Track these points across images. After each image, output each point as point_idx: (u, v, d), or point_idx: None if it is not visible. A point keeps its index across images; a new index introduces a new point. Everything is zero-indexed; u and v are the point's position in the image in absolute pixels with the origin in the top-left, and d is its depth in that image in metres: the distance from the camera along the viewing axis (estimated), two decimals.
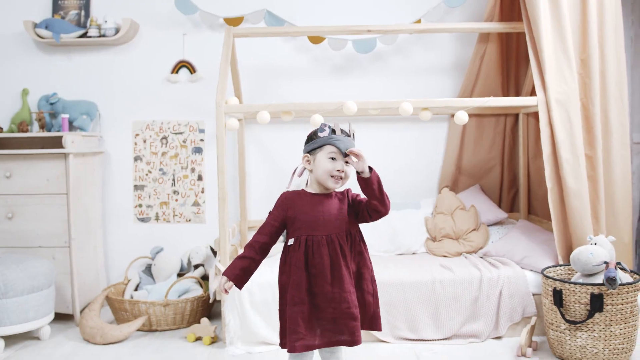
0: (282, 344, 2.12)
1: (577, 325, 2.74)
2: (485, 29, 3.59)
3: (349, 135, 2.14)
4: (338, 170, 2.07)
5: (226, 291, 2.10)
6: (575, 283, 2.75)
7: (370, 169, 2.06)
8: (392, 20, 3.91)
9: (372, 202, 2.09)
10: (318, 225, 2.09)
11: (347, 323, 2.06)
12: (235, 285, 2.10)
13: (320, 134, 2.11)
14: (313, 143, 2.13)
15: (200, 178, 4.02)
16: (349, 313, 2.06)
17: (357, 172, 2.06)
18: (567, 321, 2.76)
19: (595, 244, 2.89)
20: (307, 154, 2.15)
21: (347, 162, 2.08)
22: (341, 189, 2.19)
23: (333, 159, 2.08)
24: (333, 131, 2.10)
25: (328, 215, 2.10)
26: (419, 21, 3.85)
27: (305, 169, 2.19)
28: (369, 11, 3.96)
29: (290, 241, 2.11)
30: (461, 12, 3.93)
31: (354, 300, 2.08)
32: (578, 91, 3.20)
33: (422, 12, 3.87)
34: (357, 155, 2.04)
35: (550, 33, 3.21)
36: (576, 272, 2.97)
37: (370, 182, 2.05)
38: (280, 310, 2.15)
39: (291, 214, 2.12)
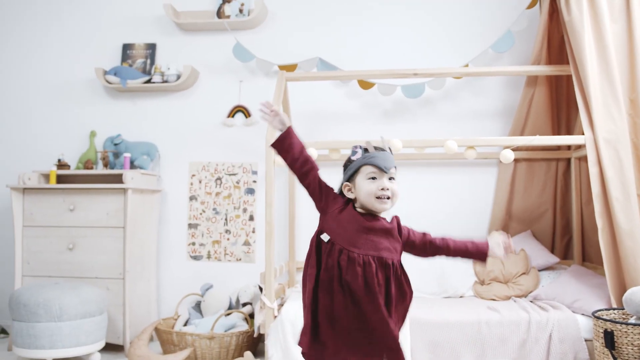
0: (301, 342, 1.96)
1: None
2: (533, 72, 3.62)
3: (384, 150, 1.98)
4: (382, 189, 1.90)
5: (272, 111, 2.00)
6: (627, 324, 2.64)
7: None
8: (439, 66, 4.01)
9: (443, 255, 2.05)
10: (356, 242, 1.90)
11: (378, 350, 1.90)
12: (284, 128, 1.99)
13: (353, 158, 1.97)
14: (349, 169, 1.98)
15: (251, 218, 4.13)
16: (384, 341, 1.89)
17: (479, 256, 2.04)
18: None
19: None
20: (347, 183, 1.98)
21: (391, 179, 1.94)
22: (388, 216, 2.02)
23: (373, 178, 1.92)
24: (366, 150, 1.96)
25: (368, 234, 1.92)
26: (466, 66, 3.93)
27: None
28: (418, 58, 4.08)
29: (325, 237, 1.93)
30: (508, 57, 4.00)
31: (382, 328, 1.88)
32: (628, 131, 3.16)
33: (470, 57, 3.95)
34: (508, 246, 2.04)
35: (597, 74, 3.21)
36: (630, 315, 2.85)
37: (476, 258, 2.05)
38: (305, 306, 1.97)
39: (334, 210, 1.95)
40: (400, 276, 1.96)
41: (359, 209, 1.97)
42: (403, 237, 2.00)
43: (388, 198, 1.92)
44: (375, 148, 1.98)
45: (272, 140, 2.03)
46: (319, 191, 1.99)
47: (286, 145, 1.99)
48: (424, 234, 2.05)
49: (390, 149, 2.01)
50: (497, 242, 2.05)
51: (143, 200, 3.91)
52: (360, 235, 1.91)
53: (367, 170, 1.93)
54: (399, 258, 1.97)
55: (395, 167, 1.98)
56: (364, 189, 1.92)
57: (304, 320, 1.98)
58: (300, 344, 1.96)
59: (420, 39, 4.13)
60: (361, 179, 1.94)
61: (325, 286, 1.90)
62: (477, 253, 2.05)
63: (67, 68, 4.39)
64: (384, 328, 1.89)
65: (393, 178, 1.95)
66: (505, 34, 3.86)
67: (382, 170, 1.92)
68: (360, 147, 1.98)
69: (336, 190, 2.03)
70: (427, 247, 2.04)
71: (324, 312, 1.90)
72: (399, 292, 1.96)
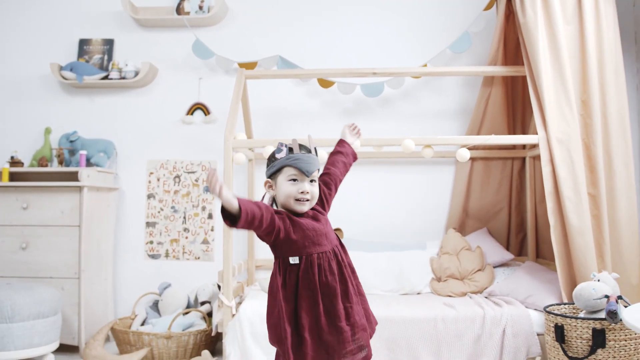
0: None
1: None
2: (489, 72, 3.69)
3: (310, 151, 1.99)
4: (302, 193, 1.92)
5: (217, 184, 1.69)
6: (576, 318, 2.71)
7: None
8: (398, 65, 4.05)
9: (350, 163, 2.22)
10: (321, 240, 1.94)
11: (361, 336, 1.94)
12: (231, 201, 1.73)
13: (277, 155, 1.96)
14: (272, 167, 1.98)
15: (210, 216, 4.10)
16: (362, 324, 1.95)
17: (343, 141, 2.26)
18: (570, 357, 2.70)
19: (599, 280, 2.86)
20: (269, 179, 2.00)
21: (312, 181, 1.95)
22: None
23: (294, 180, 1.93)
24: (291, 150, 1.95)
25: (321, 225, 1.97)
26: (425, 66, 3.97)
27: (271, 196, 2.02)
28: (377, 58, 4.11)
29: (294, 259, 1.91)
30: (466, 57, 4.06)
31: (360, 309, 1.98)
32: (579, 131, 3.24)
33: (428, 58, 4.00)
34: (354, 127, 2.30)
35: (550, 75, 3.29)
36: (580, 310, 2.93)
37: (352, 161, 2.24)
38: (282, 342, 1.90)
39: (289, 231, 1.90)
40: (343, 247, 2.06)
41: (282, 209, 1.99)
42: (322, 206, 2.06)
43: (307, 200, 1.94)
44: (301, 147, 1.97)
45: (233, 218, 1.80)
46: (279, 227, 1.89)
47: (249, 221, 1.79)
48: (321, 188, 2.05)
49: (315, 149, 2.02)
50: (344, 132, 2.30)
51: (99, 199, 3.84)
52: (318, 230, 1.95)
53: (289, 172, 1.93)
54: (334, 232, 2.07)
55: (318, 170, 2.00)
56: (284, 191, 1.93)
57: (284, 345, 1.91)
58: None
59: (379, 38, 4.16)
60: (282, 180, 1.95)
61: (306, 305, 1.90)
62: (350, 158, 2.24)
63: (21, 63, 4.28)
64: (358, 309, 1.96)
65: (314, 180, 1.97)
66: (462, 34, 3.92)
67: (303, 173, 1.92)
68: (286, 145, 1.96)
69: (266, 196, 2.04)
70: (331, 190, 2.11)
71: (310, 331, 1.89)
72: (351, 265, 2.04)
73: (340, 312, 1.92)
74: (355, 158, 2.26)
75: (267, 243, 1.96)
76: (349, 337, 1.92)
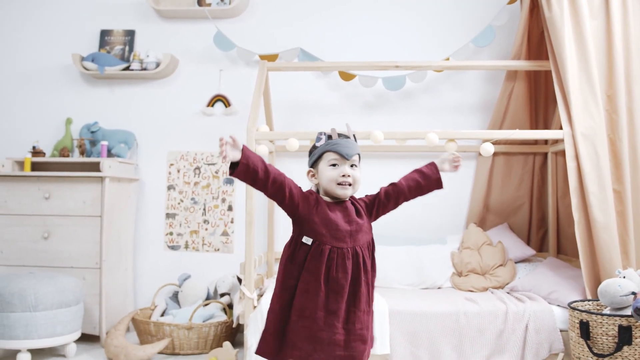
0: (263, 351, 1.95)
1: (605, 358, 2.66)
2: (512, 67, 3.66)
3: (349, 137, 2.01)
4: (343, 176, 1.94)
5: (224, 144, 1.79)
6: (602, 314, 2.69)
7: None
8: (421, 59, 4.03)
9: (405, 200, 2.08)
10: (342, 236, 1.93)
11: (356, 346, 1.93)
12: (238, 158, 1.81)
13: (317, 144, 2.00)
14: (313, 155, 2.02)
15: (230, 208, 4.10)
16: (361, 334, 1.94)
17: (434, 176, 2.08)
18: (595, 354, 2.69)
19: (624, 277, 2.84)
20: (311, 169, 2.04)
21: (353, 166, 1.97)
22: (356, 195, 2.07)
23: (335, 165, 1.95)
24: (330, 137, 1.99)
25: (350, 225, 1.95)
26: (447, 59, 3.95)
27: (315, 185, 2.05)
28: (399, 51, 4.09)
29: (307, 240, 1.92)
30: (488, 51, 4.03)
31: (366, 320, 1.97)
32: (605, 127, 3.21)
33: (451, 51, 3.97)
34: (458, 161, 2.09)
35: (576, 70, 3.26)
36: (604, 307, 2.91)
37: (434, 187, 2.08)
38: (273, 311, 1.97)
39: (312, 211, 1.93)
40: (372, 253, 2.04)
41: (325, 198, 2.00)
42: (369, 210, 2.05)
43: (349, 185, 1.96)
44: (340, 135, 2.00)
45: (233, 170, 1.89)
46: (298, 199, 1.95)
47: (251, 173, 1.86)
48: (378, 193, 2.07)
49: (354, 136, 2.04)
50: (444, 159, 2.12)
51: (120, 189, 3.86)
52: (342, 228, 1.94)
53: (329, 157, 1.97)
54: (371, 235, 2.04)
55: (358, 155, 2.00)
56: (326, 176, 1.96)
57: (267, 325, 1.97)
58: (262, 351, 1.94)
59: (402, 31, 4.14)
60: (323, 166, 1.98)
61: (304, 288, 1.91)
62: (430, 183, 2.08)
63: (44, 54, 4.29)
64: (363, 318, 1.95)
65: (355, 165, 1.98)
66: (486, 28, 3.89)
67: (343, 157, 1.95)
68: (325, 133, 2.00)
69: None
70: (388, 201, 2.06)
71: (298, 314, 1.91)
72: (372, 271, 2.02)
73: (341, 313, 1.91)
74: (438, 186, 2.10)
75: (289, 215, 1.98)
76: (341, 342, 1.91)
